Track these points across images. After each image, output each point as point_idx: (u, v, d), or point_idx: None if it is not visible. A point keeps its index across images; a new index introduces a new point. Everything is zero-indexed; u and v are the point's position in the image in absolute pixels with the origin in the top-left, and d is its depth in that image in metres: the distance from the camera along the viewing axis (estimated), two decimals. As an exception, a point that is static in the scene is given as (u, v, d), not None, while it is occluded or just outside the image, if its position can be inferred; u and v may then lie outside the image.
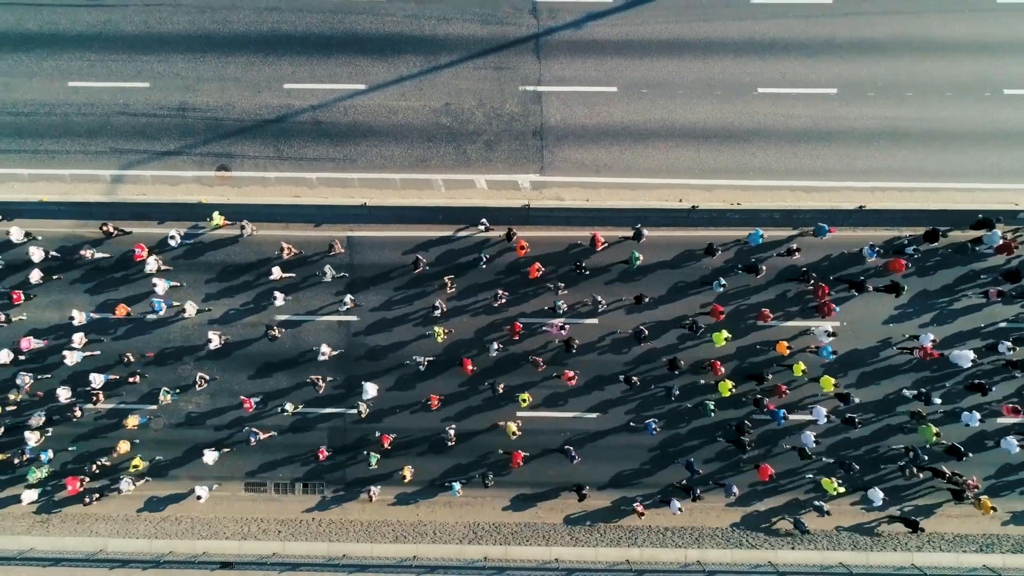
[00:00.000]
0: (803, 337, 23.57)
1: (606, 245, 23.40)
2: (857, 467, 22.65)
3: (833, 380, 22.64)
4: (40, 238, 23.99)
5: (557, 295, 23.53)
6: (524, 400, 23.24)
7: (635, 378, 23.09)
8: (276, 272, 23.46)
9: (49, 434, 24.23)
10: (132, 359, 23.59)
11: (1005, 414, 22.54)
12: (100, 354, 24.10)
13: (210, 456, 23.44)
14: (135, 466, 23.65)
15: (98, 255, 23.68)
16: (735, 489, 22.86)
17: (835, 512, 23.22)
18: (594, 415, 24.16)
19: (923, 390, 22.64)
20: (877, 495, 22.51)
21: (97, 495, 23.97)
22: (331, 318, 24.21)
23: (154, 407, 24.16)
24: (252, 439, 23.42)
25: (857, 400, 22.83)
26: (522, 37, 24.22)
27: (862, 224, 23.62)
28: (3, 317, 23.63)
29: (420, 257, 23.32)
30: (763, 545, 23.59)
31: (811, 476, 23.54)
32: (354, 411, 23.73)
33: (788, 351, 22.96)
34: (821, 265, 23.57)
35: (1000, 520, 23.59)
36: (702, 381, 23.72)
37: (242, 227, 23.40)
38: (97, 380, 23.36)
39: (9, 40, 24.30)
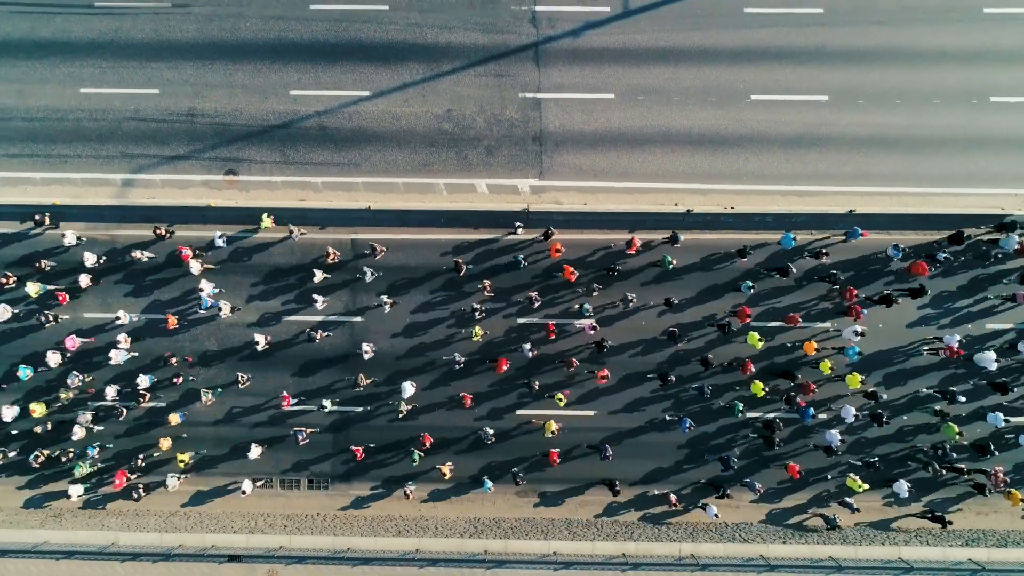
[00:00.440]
0: (829, 337, 24.03)
1: (641, 249, 23.95)
2: (880, 466, 23.25)
3: (860, 377, 23.11)
4: (84, 239, 24.55)
5: (591, 297, 24.08)
6: (560, 400, 23.82)
7: (671, 376, 23.74)
8: (319, 275, 24.01)
9: (96, 430, 24.75)
10: (175, 362, 24.31)
11: None
12: (138, 355, 24.55)
13: (255, 451, 24.15)
14: (182, 461, 24.18)
15: (146, 255, 24.22)
16: (758, 486, 23.47)
17: (862, 508, 23.77)
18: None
19: (951, 389, 23.17)
20: (903, 487, 22.95)
21: (143, 490, 24.22)
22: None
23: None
24: (300, 436, 23.93)
25: (885, 397, 23.37)
26: (522, 45, 24.83)
27: (895, 228, 24.04)
28: (52, 317, 24.17)
29: (459, 260, 23.86)
30: (756, 539, 24.23)
31: (838, 473, 24.00)
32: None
33: (815, 351, 23.54)
34: (847, 268, 24.03)
35: (1020, 514, 24.04)
36: (736, 385, 24.20)
37: (291, 230, 23.96)
38: (144, 381, 24.05)
39: (23, 48, 24.91)
